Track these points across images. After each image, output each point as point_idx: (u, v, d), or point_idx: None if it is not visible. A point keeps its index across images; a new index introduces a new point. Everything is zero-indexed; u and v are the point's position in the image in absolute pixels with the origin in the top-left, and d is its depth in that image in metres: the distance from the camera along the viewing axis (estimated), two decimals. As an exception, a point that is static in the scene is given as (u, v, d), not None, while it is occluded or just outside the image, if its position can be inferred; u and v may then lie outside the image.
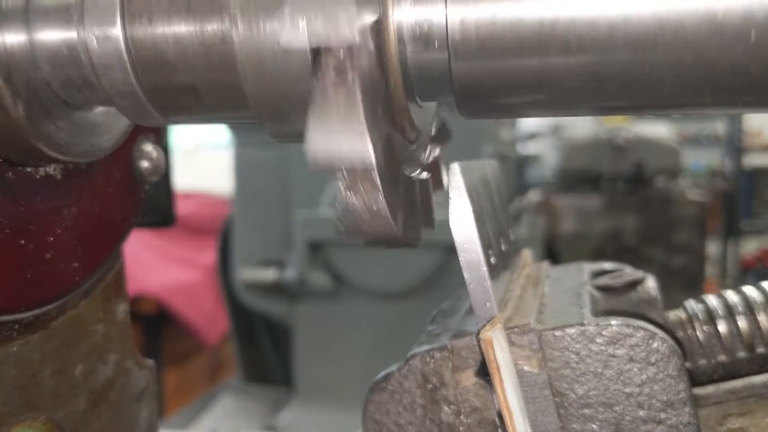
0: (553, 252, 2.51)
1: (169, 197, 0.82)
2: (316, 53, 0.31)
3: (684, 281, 2.54)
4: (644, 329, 0.45)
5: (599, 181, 2.72)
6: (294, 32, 0.30)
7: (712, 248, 6.57)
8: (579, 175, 2.73)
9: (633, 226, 2.58)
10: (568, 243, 2.56)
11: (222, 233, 2.55)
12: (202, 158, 4.67)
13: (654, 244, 2.56)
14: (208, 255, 3.12)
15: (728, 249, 7.09)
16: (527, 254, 0.69)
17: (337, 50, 0.31)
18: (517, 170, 3.05)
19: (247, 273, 2.29)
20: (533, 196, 2.73)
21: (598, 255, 2.57)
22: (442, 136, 0.49)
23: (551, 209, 2.59)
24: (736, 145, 7.25)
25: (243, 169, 2.34)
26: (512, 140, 2.77)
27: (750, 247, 7.22)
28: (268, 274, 2.26)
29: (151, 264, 3.12)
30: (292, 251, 2.21)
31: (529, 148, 3.06)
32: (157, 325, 3.04)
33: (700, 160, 7.60)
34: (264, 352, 2.67)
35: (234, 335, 2.65)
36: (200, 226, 3.45)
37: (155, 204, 0.77)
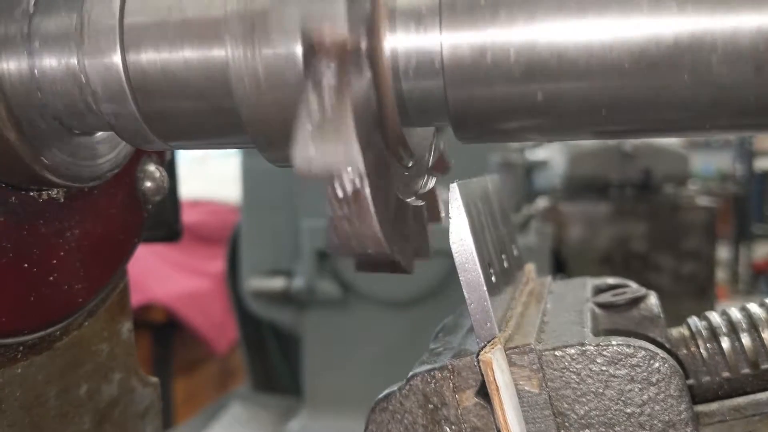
0: (561, 259, 2.51)
1: (176, 212, 0.83)
2: (309, 58, 0.31)
3: (694, 288, 2.52)
4: (645, 349, 0.45)
5: (607, 188, 2.71)
6: (283, 30, 0.30)
7: (724, 253, 6.52)
8: (587, 182, 2.72)
9: (641, 233, 2.57)
10: (576, 250, 2.55)
11: (230, 242, 2.56)
12: (210, 166, 4.69)
13: (663, 251, 2.55)
14: (217, 263, 3.13)
15: (740, 253, 7.03)
16: (531, 268, 0.69)
17: (328, 55, 0.31)
18: (525, 177, 3.05)
19: (256, 282, 2.29)
20: (541, 203, 2.72)
21: (606, 262, 2.56)
22: (440, 167, 0.49)
23: (559, 216, 2.58)
24: (746, 148, 7.19)
25: (251, 178, 2.35)
26: (520, 147, 2.76)
27: (762, 251, 7.16)
28: (277, 283, 2.26)
29: (160, 272, 3.13)
30: (300, 260, 2.22)
31: (537, 155, 3.06)
32: (166, 334, 3.05)
33: (710, 163, 7.56)
34: (273, 361, 2.67)
35: (243, 344, 2.65)
36: (209, 235, 3.47)
37: (161, 219, 0.78)
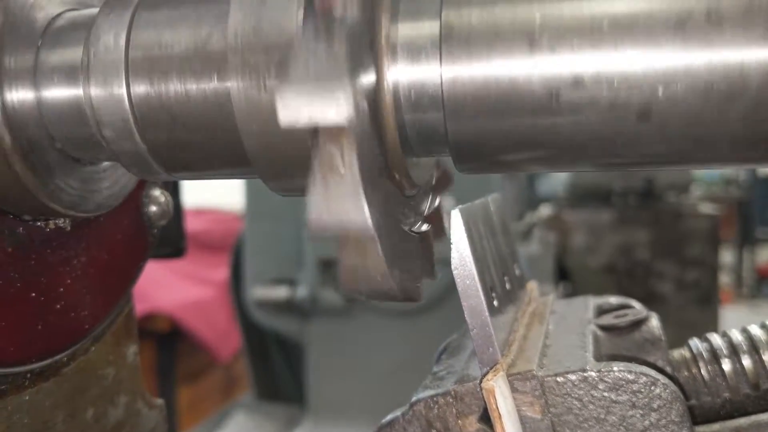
0: (565, 267, 2.51)
1: (180, 230, 0.83)
2: (315, 129, 0.32)
3: (698, 295, 2.52)
4: (646, 375, 0.46)
5: (610, 196, 2.72)
6: (290, 114, 0.31)
7: (728, 257, 6.51)
8: (590, 190, 2.73)
9: (645, 241, 2.57)
10: (579, 258, 2.55)
11: (234, 250, 2.57)
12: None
13: (666, 259, 2.55)
14: (220, 271, 3.14)
15: (744, 258, 7.02)
16: (533, 287, 0.69)
17: (334, 128, 0.32)
18: (528, 184, 3.05)
19: (259, 291, 2.30)
20: (544, 210, 2.73)
21: (610, 270, 2.56)
22: (443, 184, 0.50)
23: (562, 224, 2.59)
24: (750, 152, 7.15)
25: (254, 186, 2.36)
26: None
27: (766, 255, 7.15)
28: (280, 293, 2.27)
29: (164, 281, 3.14)
30: (303, 269, 2.22)
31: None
32: (170, 342, 3.06)
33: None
34: (277, 370, 2.67)
35: (246, 353, 2.66)
36: (212, 243, 3.47)
37: (166, 237, 0.78)
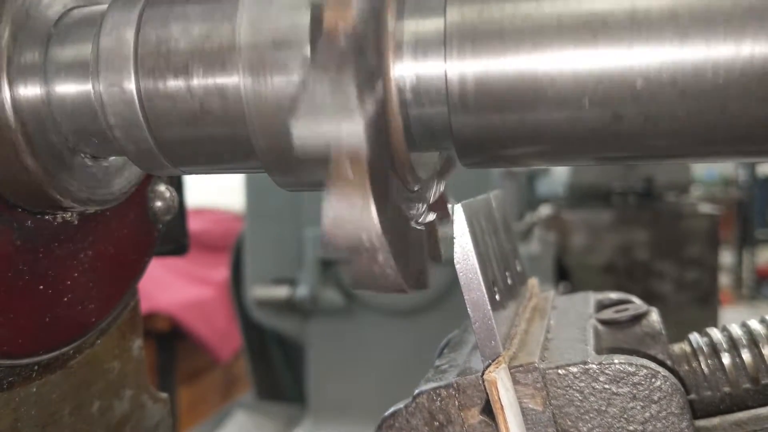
0: (565, 267, 2.51)
1: (183, 227, 0.84)
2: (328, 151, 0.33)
3: (697, 295, 2.53)
4: (646, 367, 0.46)
5: (610, 196, 2.73)
6: (304, 144, 0.33)
7: (727, 258, 6.52)
8: (589, 190, 2.74)
9: (644, 241, 2.58)
10: (579, 258, 2.56)
11: (234, 250, 2.57)
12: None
13: (666, 259, 2.56)
14: (220, 271, 3.15)
15: (743, 258, 7.04)
16: (534, 283, 0.69)
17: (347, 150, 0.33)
18: (528, 185, 3.05)
19: (260, 291, 2.30)
20: (544, 211, 2.74)
21: (609, 270, 2.57)
22: (447, 168, 0.51)
23: (562, 224, 2.59)
24: (749, 153, 7.16)
25: (255, 186, 2.36)
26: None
27: (765, 256, 7.16)
28: (280, 292, 2.27)
29: (164, 281, 3.14)
30: (303, 269, 2.23)
31: (539, 163, 3.06)
32: (170, 342, 3.06)
33: (713, 169, 7.56)
34: (277, 370, 2.68)
35: (247, 352, 2.66)
36: (213, 243, 3.48)
37: (169, 233, 0.79)
